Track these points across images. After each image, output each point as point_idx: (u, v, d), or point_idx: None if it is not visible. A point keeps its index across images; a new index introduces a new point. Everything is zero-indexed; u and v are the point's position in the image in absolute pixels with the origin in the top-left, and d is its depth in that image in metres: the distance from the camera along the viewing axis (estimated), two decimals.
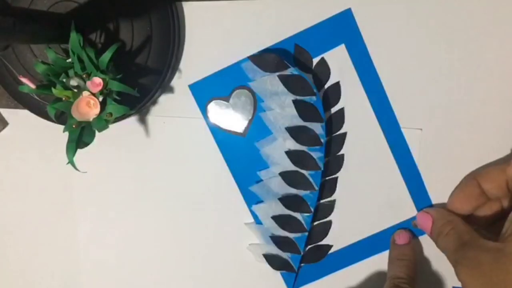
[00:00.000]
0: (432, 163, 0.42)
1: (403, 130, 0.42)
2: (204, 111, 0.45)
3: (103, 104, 0.38)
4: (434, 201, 0.42)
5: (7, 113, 0.50)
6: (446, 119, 0.41)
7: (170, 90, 0.45)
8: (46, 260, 0.52)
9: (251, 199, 0.45)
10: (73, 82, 0.38)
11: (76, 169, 0.39)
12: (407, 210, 0.42)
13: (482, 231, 0.36)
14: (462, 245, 0.33)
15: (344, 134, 0.43)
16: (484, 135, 0.40)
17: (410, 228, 0.42)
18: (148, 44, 0.41)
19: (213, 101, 0.44)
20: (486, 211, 0.37)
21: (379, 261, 0.44)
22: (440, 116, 0.41)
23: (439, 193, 0.42)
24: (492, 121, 0.40)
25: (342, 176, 0.43)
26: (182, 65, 0.45)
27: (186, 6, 0.43)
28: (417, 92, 0.41)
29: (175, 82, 0.45)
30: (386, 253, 0.43)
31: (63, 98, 0.39)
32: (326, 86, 0.42)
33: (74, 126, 0.39)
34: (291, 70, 0.41)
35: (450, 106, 0.41)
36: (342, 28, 0.41)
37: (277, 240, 0.44)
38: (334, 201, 0.44)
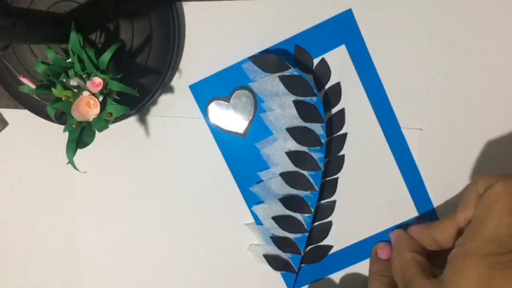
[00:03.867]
0: (432, 163, 0.42)
1: (403, 130, 0.42)
2: (204, 111, 0.45)
3: (103, 104, 0.38)
4: (434, 201, 0.42)
5: (7, 113, 0.50)
6: (446, 119, 0.41)
7: (170, 90, 0.45)
8: (46, 260, 0.52)
9: (251, 200, 0.45)
10: (73, 82, 0.38)
11: (76, 169, 0.39)
12: (407, 210, 0.43)
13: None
14: (407, 285, 0.36)
15: (345, 135, 0.43)
16: (484, 135, 0.40)
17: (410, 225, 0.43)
18: (148, 44, 0.41)
19: (214, 102, 0.44)
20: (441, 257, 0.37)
21: None
22: (440, 116, 0.41)
23: (439, 193, 0.42)
24: (492, 121, 0.40)
25: (342, 176, 0.43)
26: (182, 65, 0.45)
27: (186, 6, 0.43)
28: (417, 92, 0.41)
29: (175, 82, 0.45)
30: None
31: (63, 98, 0.38)
32: (326, 87, 0.42)
33: (74, 126, 0.38)
34: (291, 71, 0.41)
35: (450, 106, 0.41)
36: (342, 29, 0.41)
37: (277, 241, 0.44)
38: (334, 201, 0.44)
